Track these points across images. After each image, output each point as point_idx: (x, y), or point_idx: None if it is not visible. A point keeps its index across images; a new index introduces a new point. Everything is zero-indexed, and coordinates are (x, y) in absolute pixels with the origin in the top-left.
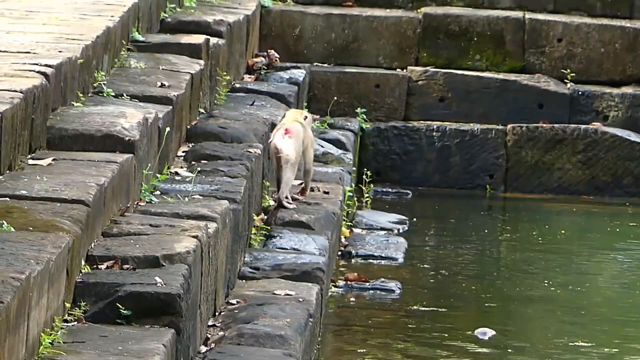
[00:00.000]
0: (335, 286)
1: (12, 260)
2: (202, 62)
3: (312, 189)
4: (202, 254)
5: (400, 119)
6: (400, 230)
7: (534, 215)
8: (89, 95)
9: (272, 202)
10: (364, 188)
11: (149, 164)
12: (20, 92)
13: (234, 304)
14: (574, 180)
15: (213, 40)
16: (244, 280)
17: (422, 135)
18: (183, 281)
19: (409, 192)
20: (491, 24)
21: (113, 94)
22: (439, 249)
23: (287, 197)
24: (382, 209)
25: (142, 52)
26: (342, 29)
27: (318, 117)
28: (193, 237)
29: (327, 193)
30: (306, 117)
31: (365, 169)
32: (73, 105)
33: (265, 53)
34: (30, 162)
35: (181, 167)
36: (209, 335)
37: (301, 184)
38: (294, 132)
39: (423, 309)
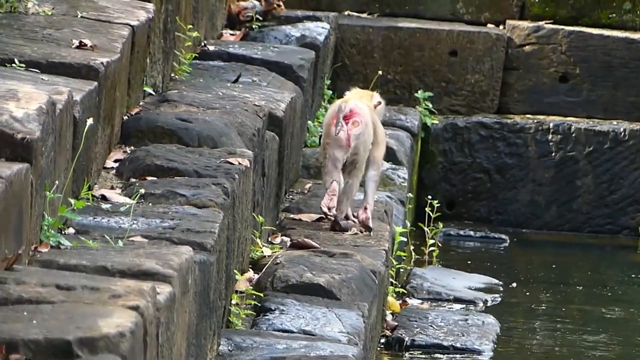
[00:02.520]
0: None
1: None
2: (151, 6)
3: (345, 229)
4: (145, 338)
5: (492, 110)
6: (489, 304)
7: None
8: None
9: (267, 251)
10: (426, 229)
11: (57, 182)
12: None
13: None
14: None
15: None
16: None
17: (528, 138)
18: None
19: (504, 237)
20: None
21: None
22: (555, 336)
23: (348, 216)
24: (458, 266)
25: None
26: None
27: None
28: (131, 308)
29: (368, 230)
30: (379, 103)
31: (429, 197)
32: None
33: None
34: None
35: (112, 188)
36: None
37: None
38: (362, 115)
39: None
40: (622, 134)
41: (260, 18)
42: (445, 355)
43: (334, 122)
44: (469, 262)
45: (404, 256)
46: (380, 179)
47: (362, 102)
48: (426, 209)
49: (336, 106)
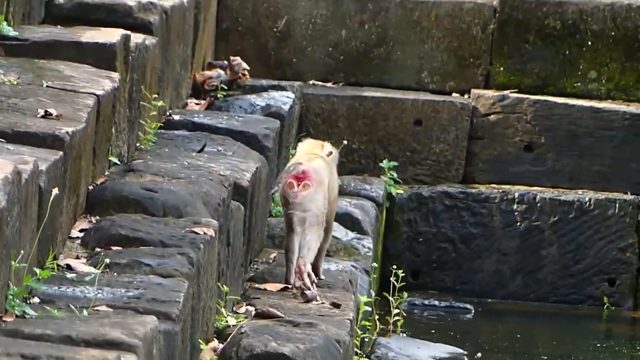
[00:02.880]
0: None
1: None
2: (116, 75)
3: (310, 299)
4: None
5: (457, 180)
6: None
7: None
8: None
9: (232, 320)
10: (391, 299)
11: (22, 251)
12: None
13: None
14: None
15: (136, 38)
16: None
17: (493, 208)
18: None
19: (469, 307)
20: (617, 18)
21: None
22: None
23: (309, 277)
24: (422, 336)
25: (14, 56)
26: (359, 23)
27: None
28: None
29: (337, 306)
30: (330, 153)
31: (394, 266)
32: None
33: (226, 62)
34: None
35: (77, 257)
36: None
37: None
38: (314, 177)
39: None
40: (587, 203)
41: (226, 87)
42: None
43: (286, 182)
44: (434, 331)
45: (369, 326)
46: (330, 237)
47: (314, 151)
48: (391, 278)
49: (289, 165)
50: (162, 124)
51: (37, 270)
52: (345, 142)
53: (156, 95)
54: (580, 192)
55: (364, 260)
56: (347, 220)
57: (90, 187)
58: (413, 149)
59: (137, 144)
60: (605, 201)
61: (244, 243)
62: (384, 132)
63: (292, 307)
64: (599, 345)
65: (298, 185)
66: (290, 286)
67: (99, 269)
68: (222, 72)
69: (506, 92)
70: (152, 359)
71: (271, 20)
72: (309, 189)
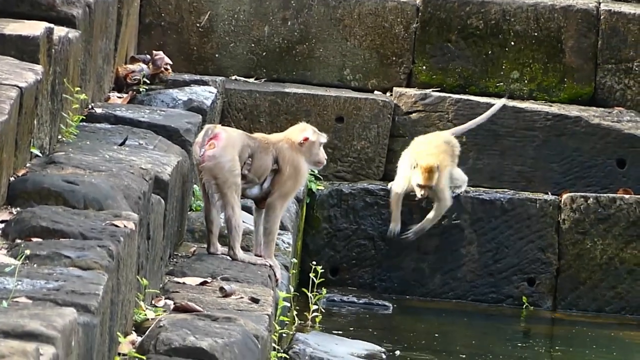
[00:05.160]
0: None
1: None
2: (39, 68)
3: (229, 293)
4: None
5: (377, 177)
6: None
7: (604, 352)
8: None
9: (151, 314)
10: (310, 295)
11: None
12: None
13: None
14: None
15: (59, 31)
16: None
17: (413, 206)
18: None
19: (387, 304)
20: (541, 19)
21: None
22: None
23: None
24: (341, 332)
25: None
26: (282, 19)
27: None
28: None
29: (256, 301)
30: (306, 139)
31: (313, 262)
32: None
33: (149, 57)
34: None
35: None
36: None
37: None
38: (222, 138)
39: None
40: (508, 203)
41: (148, 81)
42: None
43: (198, 144)
44: (352, 328)
45: (287, 321)
46: (276, 230)
47: (291, 134)
48: (310, 274)
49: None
50: (84, 117)
51: None
52: None
53: (79, 88)
54: (501, 191)
55: (284, 255)
56: None
57: (12, 179)
58: (334, 145)
59: (59, 137)
60: (526, 201)
61: (163, 237)
62: None
63: (211, 301)
64: (517, 344)
65: (206, 146)
66: (209, 280)
67: (19, 260)
68: (144, 66)
69: (428, 90)
70: (71, 351)
71: (194, 15)
72: (213, 148)
